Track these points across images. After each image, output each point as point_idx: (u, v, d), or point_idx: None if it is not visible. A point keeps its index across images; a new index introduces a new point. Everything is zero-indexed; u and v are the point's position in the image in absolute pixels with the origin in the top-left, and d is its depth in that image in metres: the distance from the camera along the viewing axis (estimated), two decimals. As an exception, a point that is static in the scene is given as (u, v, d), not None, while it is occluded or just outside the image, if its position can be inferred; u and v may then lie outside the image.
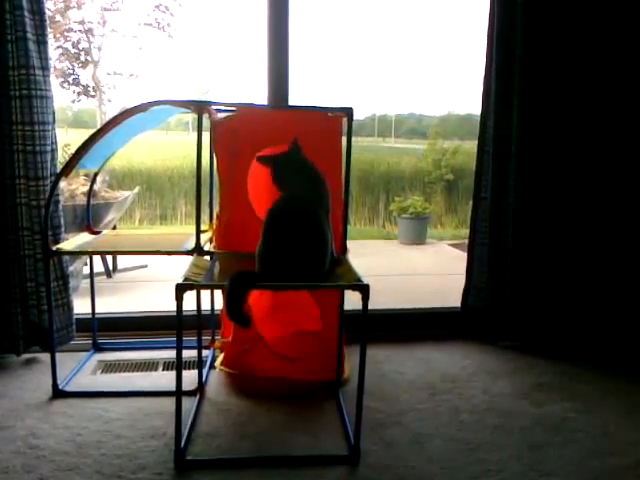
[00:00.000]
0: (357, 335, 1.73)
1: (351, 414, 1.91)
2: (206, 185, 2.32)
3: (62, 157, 2.51)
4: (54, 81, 2.40)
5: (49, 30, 2.33)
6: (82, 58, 6.80)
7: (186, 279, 1.71)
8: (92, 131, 2.06)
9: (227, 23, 9.03)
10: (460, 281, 2.82)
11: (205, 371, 2.35)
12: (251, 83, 7.47)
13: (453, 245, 6.51)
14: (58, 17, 6.45)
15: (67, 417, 2.00)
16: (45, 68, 2.31)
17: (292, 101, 2.68)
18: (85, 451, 1.79)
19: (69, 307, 2.50)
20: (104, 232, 2.59)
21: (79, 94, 6.90)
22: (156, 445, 1.83)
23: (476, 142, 2.71)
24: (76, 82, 6.85)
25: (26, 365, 2.44)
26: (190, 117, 7.10)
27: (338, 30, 8.24)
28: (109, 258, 4.46)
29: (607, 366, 2.56)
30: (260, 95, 2.72)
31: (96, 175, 2.68)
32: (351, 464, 1.76)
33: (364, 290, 1.68)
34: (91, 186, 2.64)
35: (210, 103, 2.08)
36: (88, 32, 6.70)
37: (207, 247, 2.18)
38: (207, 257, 2.08)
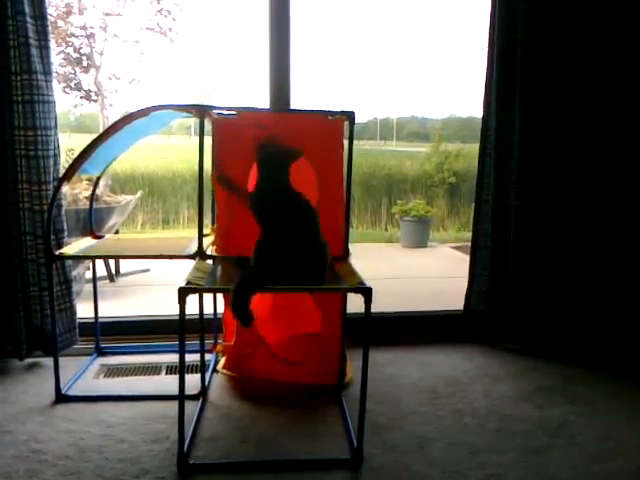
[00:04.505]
0: (359, 338, 1.73)
1: (353, 417, 1.92)
2: (208, 189, 2.33)
3: (65, 161, 2.52)
4: (56, 86, 2.41)
5: (51, 35, 2.34)
6: (84, 63, 6.82)
7: (189, 283, 1.72)
8: (94, 136, 2.06)
9: (229, 27, 9.06)
10: (462, 284, 2.82)
11: (208, 375, 2.35)
12: (253, 87, 7.49)
13: (455, 248, 6.50)
14: (60, 22, 6.47)
15: (69, 421, 2.01)
16: (47, 73, 2.32)
17: (294, 104, 2.69)
18: (87, 455, 1.80)
19: (72, 311, 2.50)
20: (107, 236, 2.60)
21: (81, 99, 6.92)
22: (159, 449, 1.83)
23: (478, 145, 2.71)
24: (78, 87, 6.86)
25: (29, 369, 2.44)
26: (192, 121, 7.10)
27: (340, 33, 8.25)
28: (112, 262, 4.46)
29: (609, 369, 2.55)
30: (262, 99, 2.73)
31: (98, 179, 2.69)
32: (353, 468, 1.76)
33: (367, 293, 1.69)
34: (94, 190, 2.65)
35: (212, 107, 2.08)
36: (90, 37, 6.71)
37: (209, 251, 2.18)
38: (209, 261, 2.08)
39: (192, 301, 1.78)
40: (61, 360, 2.21)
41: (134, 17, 7.29)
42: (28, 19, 2.23)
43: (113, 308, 3.22)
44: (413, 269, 5.67)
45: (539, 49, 2.51)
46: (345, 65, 8.32)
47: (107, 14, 6.71)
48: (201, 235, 2.09)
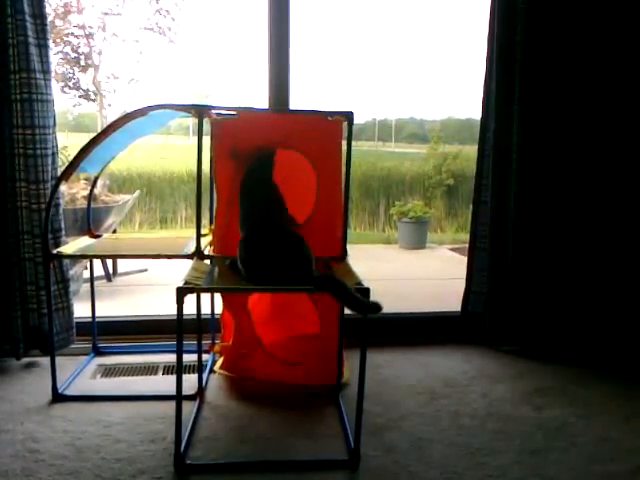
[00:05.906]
0: (357, 339, 1.73)
1: (351, 418, 1.91)
2: (206, 189, 2.32)
3: (60, 160, 2.51)
4: (55, 85, 2.40)
5: (50, 34, 2.34)
6: (83, 62, 6.81)
7: (187, 283, 1.71)
8: (93, 135, 2.06)
9: (228, 27, 9.04)
10: (460, 285, 2.82)
11: (205, 375, 2.35)
12: (252, 87, 7.48)
13: (453, 249, 6.50)
14: (59, 22, 6.46)
15: (67, 421, 2.00)
16: (46, 72, 2.32)
17: (292, 105, 2.69)
18: (85, 455, 1.79)
19: (69, 311, 2.49)
20: (104, 236, 2.59)
21: (80, 98, 6.91)
22: (156, 449, 1.83)
23: (476, 146, 2.71)
24: (77, 86, 6.85)
25: (26, 369, 2.44)
26: (191, 121, 7.08)
27: (338, 34, 8.25)
28: (109, 262, 4.45)
29: (607, 371, 2.55)
30: (261, 99, 2.73)
31: (96, 179, 2.68)
32: (351, 469, 1.76)
33: (365, 293, 1.69)
34: (91, 190, 2.64)
35: (210, 107, 2.08)
36: (89, 36, 6.71)
37: (207, 251, 2.18)
38: (207, 261, 2.08)
39: (190, 301, 1.77)
40: (58, 359, 2.21)
41: (133, 16, 7.29)
42: (27, 18, 2.23)
43: (110, 308, 3.22)
44: (411, 270, 5.68)
45: (538, 51, 2.50)
46: (344, 66, 8.33)
47: (106, 13, 6.70)
48: (199, 235, 2.09)
